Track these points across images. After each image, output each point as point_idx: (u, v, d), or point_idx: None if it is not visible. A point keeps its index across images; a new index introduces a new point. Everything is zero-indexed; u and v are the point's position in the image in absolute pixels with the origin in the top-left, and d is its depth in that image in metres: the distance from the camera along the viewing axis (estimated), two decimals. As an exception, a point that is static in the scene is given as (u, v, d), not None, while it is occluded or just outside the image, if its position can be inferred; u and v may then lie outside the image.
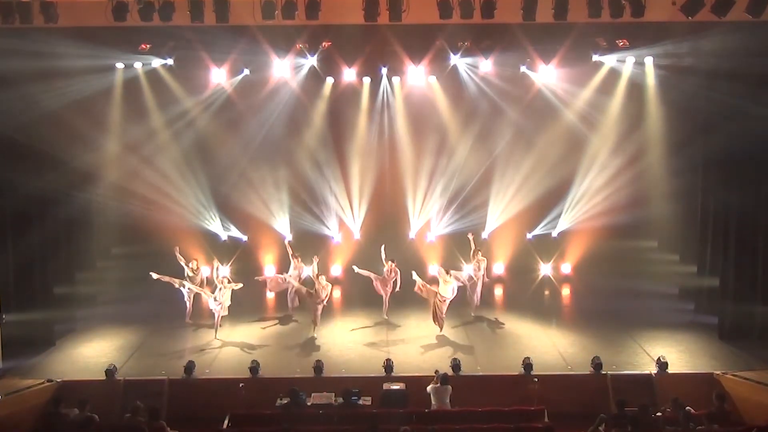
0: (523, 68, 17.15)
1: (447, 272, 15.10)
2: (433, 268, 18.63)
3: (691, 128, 16.13)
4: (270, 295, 17.99)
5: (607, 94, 17.62)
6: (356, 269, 16.16)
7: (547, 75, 17.25)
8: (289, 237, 19.20)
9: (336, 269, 19.09)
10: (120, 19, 12.29)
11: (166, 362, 13.81)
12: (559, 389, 12.74)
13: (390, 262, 16.16)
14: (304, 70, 16.92)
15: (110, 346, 14.79)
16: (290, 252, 16.85)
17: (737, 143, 14.45)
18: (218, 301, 15.10)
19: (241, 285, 15.52)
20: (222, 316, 15.31)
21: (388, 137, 19.09)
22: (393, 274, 16.07)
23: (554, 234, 19.32)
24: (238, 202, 19.06)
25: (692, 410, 10.99)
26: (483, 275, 16.39)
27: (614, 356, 13.80)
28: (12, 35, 13.04)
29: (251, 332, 15.58)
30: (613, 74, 17.15)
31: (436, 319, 15.14)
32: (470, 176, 19.13)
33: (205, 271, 16.92)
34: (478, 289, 16.39)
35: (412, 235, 19.41)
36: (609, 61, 16.53)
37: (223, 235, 19.24)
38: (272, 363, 13.73)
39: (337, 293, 18.42)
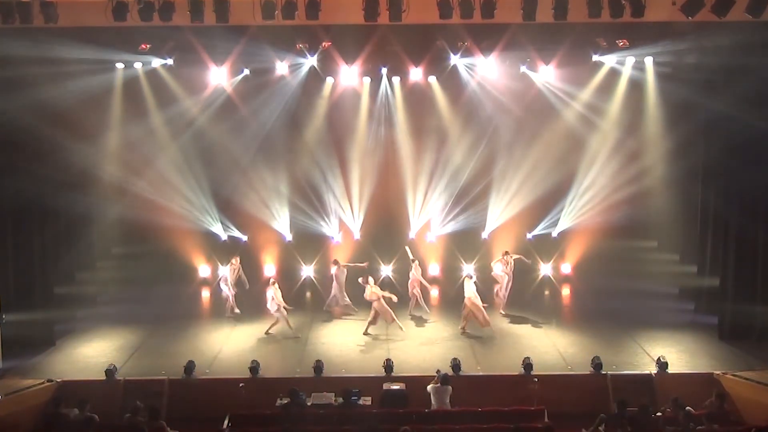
0: (523, 68, 17.15)
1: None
2: (434, 268, 18.73)
3: (690, 128, 16.14)
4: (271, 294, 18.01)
5: (607, 94, 17.62)
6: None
7: (547, 75, 17.25)
8: (288, 237, 19.24)
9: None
10: (120, 19, 12.26)
11: (166, 362, 13.80)
12: (559, 389, 12.74)
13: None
14: (304, 70, 16.92)
15: (110, 346, 14.79)
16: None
17: (737, 143, 14.46)
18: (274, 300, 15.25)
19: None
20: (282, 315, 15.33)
21: (388, 137, 19.09)
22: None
23: (554, 234, 19.33)
24: (238, 202, 19.06)
25: (692, 410, 11.00)
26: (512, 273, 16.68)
27: (614, 356, 13.81)
28: (12, 36, 13.03)
29: (251, 332, 15.57)
30: (613, 74, 17.15)
31: (477, 318, 15.12)
32: (470, 176, 19.13)
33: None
34: (509, 286, 16.57)
35: (412, 235, 19.41)
36: (609, 61, 16.53)
37: (223, 235, 19.25)
38: (272, 363, 13.74)
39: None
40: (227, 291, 16.72)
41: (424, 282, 16.75)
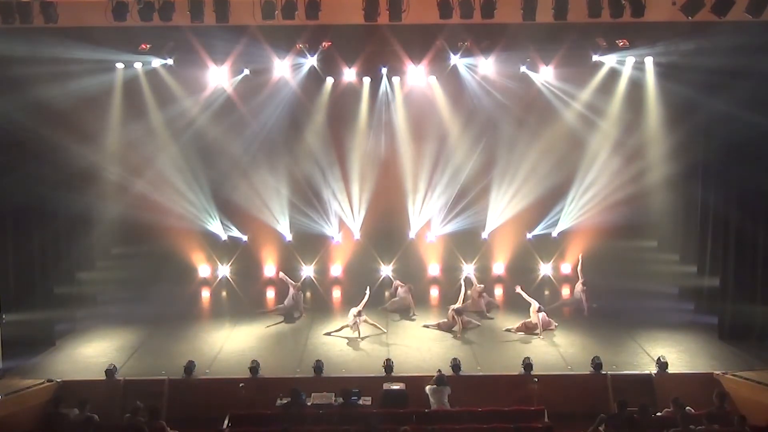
0: (523, 68, 17.14)
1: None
2: (434, 268, 18.67)
3: (691, 128, 16.13)
4: (270, 295, 18.06)
5: (607, 94, 17.62)
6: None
7: (547, 75, 17.25)
8: (288, 237, 19.24)
9: (336, 269, 19.11)
10: (120, 19, 12.26)
11: (166, 362, 13.80)
12: (559, 389, 12.74)
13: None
14: (304, 70, 16.90)
15: (110, 346, 14.78)
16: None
17: (737, 143, 14.46)
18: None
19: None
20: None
21: (388, 137, 19.08)
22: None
23: (554, 234, 19.33)
24: (238, 202, 19.05)
25: (692, 410, 11.00)
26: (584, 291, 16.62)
27: (614, 356, 13.80)
28: (12, 35, 13.03)
29: (251, 332, 15.58)
30: (613, 74, 17.14)
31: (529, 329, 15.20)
32: (470, 176, 19.12)
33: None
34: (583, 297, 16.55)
35: (412, 235, 19.41)
36: (609, 61, 16.51)
37: (223, 235, 19.25)
38: (272, 363, 13.72)
39: (337, 293, 18.46)
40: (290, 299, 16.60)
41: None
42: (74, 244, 16.48)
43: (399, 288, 16.92)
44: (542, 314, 15.12)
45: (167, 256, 18.76)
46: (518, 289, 16.01)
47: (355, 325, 14.98)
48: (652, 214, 18.62)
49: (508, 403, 12.11)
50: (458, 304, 15.43)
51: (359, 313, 15.05)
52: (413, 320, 16.27)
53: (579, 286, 16.70)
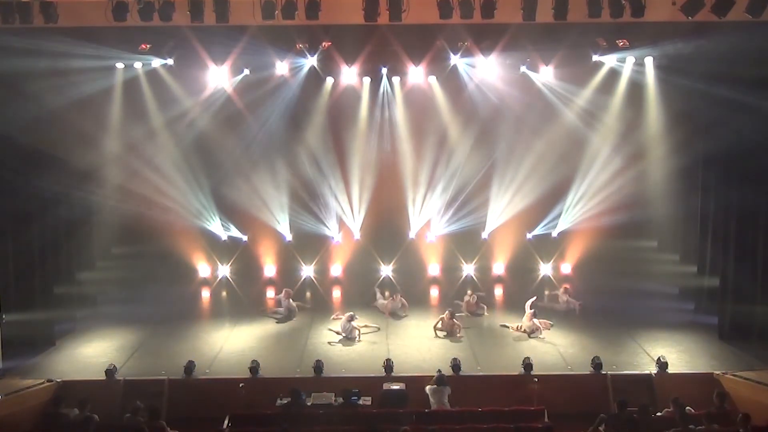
0: (523, 68, 17.16)
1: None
2: (434, 268, 18.65)
3: (690, 128, 16.16)
4: (270, 295, 18.04)
5: (607, 94, 17.63)
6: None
7: (547, 75, 17.25)
8: (288, 237, 19.23)
9: (336, 269, 19.11)
10: (120, 19, 12.26)
11: (166, 362, 13.79)
12: (559, 389, 12.74)
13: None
14: (304, 70, 16.93)
15: (110, 346, 14.78)
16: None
17: (737, 143, 14.46)
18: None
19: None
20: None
21: (388, 137, 19.09)
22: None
23: (554, 234, 19.34)
24: (238, 202, 19.06)
25: (692, 410, 11.00)
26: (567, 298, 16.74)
27: (614, 356, 13.80)
28: (12, 35, 13.03)
29: (251, 332, 15.57)
30: (613, 74, 17.16)
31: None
32: (470, 176, 19.15)
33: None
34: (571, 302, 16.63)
35: (412, 235, 19.41)
36: (609, 61, 16.53)
37: (223, 235, 19.25)
38: (272, 363, 13.72)
39: (337, 293, 18.46)
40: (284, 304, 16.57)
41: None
42: (74, 244, 16.48)
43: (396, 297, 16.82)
44: (536, 319, 15.12)
45: (167, 256, 18.78)
46: (546, 297, 15.87)
47: (352, 331, 14.97)
48: (652, 214, 18.63)
49: (508, 403, 12.11)
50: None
51: (351, 318, 15.05)
52: (407, 316, 16.36)
53: (561, 296, 16.79)
